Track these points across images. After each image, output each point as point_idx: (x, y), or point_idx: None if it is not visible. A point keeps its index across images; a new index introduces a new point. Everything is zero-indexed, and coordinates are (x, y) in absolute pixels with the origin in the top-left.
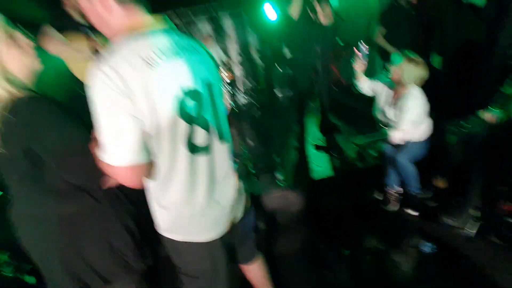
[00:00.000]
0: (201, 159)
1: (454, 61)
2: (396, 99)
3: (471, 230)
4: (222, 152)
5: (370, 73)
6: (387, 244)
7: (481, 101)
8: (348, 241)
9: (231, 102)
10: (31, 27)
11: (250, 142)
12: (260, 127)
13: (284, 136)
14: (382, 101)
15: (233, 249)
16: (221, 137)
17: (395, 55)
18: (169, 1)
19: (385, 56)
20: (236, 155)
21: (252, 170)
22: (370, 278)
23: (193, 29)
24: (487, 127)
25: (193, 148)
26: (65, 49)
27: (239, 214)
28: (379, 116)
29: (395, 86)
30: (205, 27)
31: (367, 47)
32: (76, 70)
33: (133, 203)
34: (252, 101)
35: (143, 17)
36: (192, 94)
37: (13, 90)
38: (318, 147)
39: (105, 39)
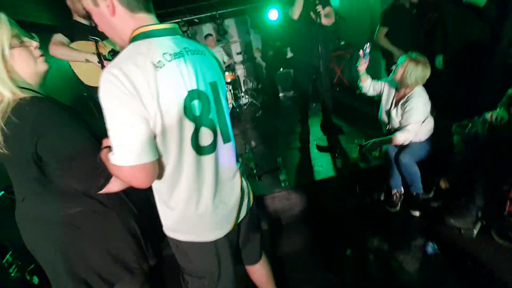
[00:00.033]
0: (207, 159)
1: (457, 60)
2: (400, 99)
3: (474, 230)
4: (227, 152)
5: (373, 73)
6: (390, 245)
7: (485, 101)
8: (350, 241)
9: (233, 102)
10: (38, 30)
11: (252, 142)
12: (261, 127)
13: (286, 136)
14: (385, 102)
15: (237, 249)
16: (226, 137)
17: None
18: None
19: (388, 56)
20: (238, 155)
21: (254, 170)
22: (373, 278)
23: (197, 30)
24: (491, 128)
25: (199, 148)
26: (70, 53)
27: (244, 213)
28: (383, 116)
29: (399, 86)
30: (208, 28)
31: (369, 44)
32: (81, 73)
33: (136, 205)
34: (254, 101)
35: (148, 20)
36: (198, 95)
37: (19, 92)
38: (320, 147)
39: (111, 43)
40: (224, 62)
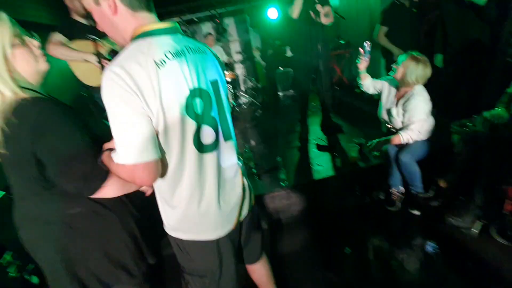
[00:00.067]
0: (209, 158)
1: (457, 60)
2: (400, 98)
3: (475, 229)
4: (228, 150)
5: (373, 72)
6: (390, 244)
7: (485, 100)
8: (350, 241)
9: (232, 101)
10: (38, 29)
11: (252, 142)
12: (261, 126)
13: (286, 135)
14: (386, 100)
15: (239, 248)
16: (227, 136)
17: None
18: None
19: (388, 55)
20: (238, 154)
21: (254, 169)
22: (373, 278)
23: (197, 29)
24: (492, 127)
25: (201, 147)
26: (69, 53)
27: (245, 212)
28: (383, 115)
29: (399, 85)
30: (207, 27)
31: (369, 43)
32: (79, 73)
33: (136, 205)
34: (254, 100)
35: (150, 19)
36: (199, 93)
37: (20, 92)
38: (320, 147)
39: (111, 43)
40: (224, 61)
